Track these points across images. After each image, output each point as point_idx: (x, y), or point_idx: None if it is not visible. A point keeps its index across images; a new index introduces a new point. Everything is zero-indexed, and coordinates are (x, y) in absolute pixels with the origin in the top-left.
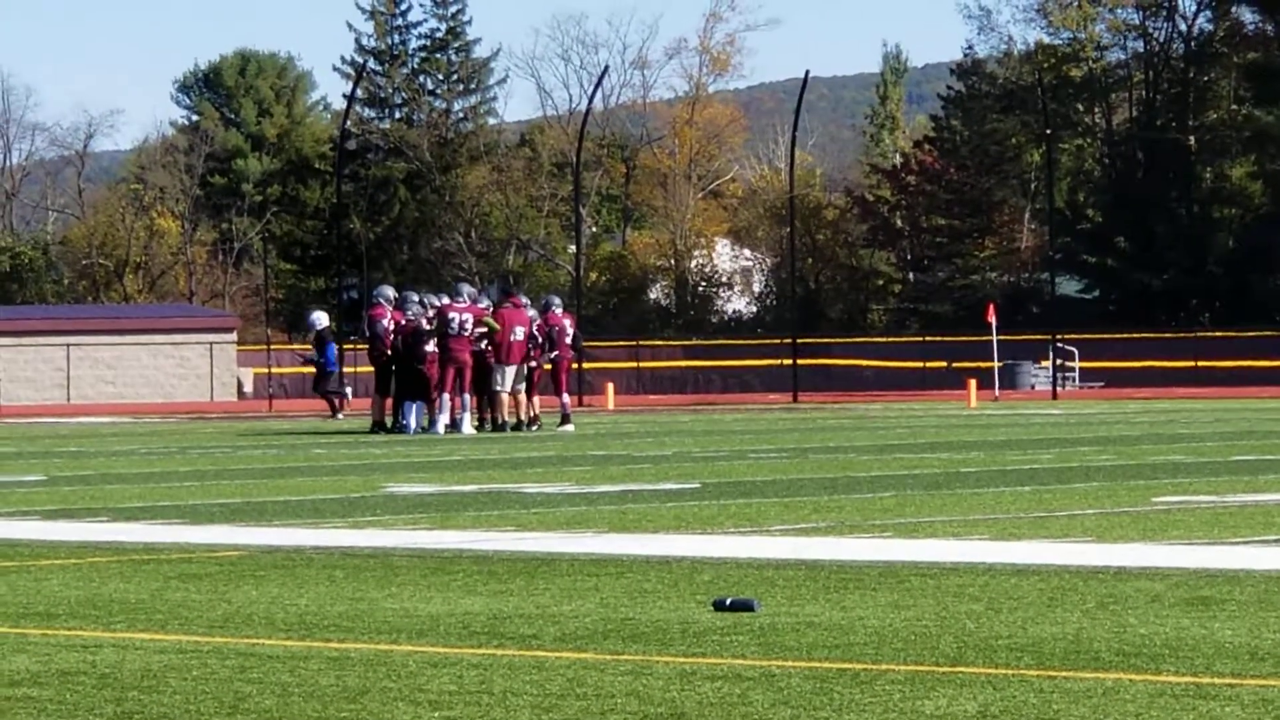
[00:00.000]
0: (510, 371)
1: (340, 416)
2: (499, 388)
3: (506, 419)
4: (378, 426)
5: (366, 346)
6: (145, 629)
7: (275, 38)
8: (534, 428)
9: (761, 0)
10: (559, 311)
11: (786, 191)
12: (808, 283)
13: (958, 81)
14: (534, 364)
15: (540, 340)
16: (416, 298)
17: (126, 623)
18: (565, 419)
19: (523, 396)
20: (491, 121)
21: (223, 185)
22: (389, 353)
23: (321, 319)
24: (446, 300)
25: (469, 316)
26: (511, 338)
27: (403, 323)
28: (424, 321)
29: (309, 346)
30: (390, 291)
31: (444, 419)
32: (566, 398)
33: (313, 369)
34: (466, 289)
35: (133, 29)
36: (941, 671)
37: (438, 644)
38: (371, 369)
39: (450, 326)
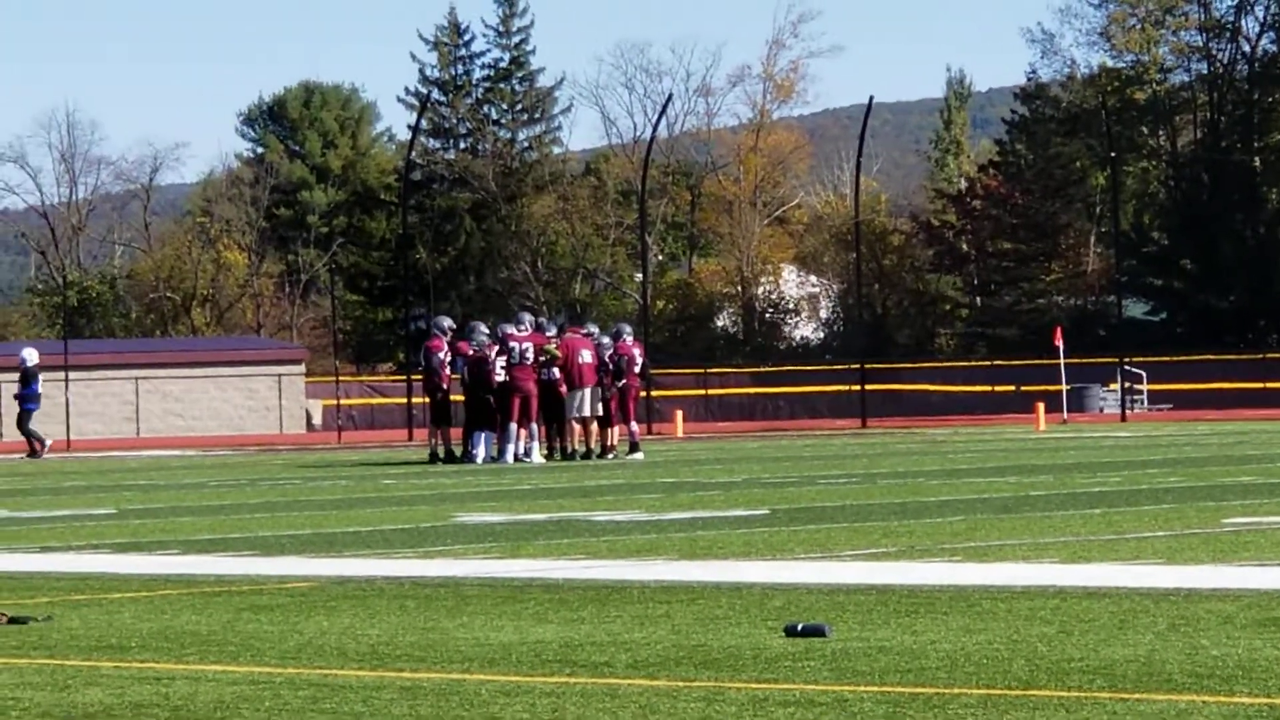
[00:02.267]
0: (586, 394)
1: (43, 455)
2: (575, 413)
3: (576, 447)
4: (435, 458)
5: (422, 377)
6: (217, 661)
7: (339, 69)
8: (610, 456)
9: (825, 27)
10: (629, 340)
11: (852, 217)
12: (875, 308)
13: (1022, 105)
14: (608, 392)
15: (610, 369)
16: (484, 328)
17: (199, 655)
18: (635, 447)
19: (593, 425)
20: (556, 150)
21: (288, 217)
22: (445, 385)
23: (31, 355)
24: (509, 329)
25: (529, 345)
26: (579, 360)
27: (469, 353)
28: (490, 351)
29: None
30: (447, 322)
31: (513, 448)
32: (635, 426)
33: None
34: (528, 317)
35: (197, 62)
36: (1014, 695)
37: (510, 673)
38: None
39: (512, 355)
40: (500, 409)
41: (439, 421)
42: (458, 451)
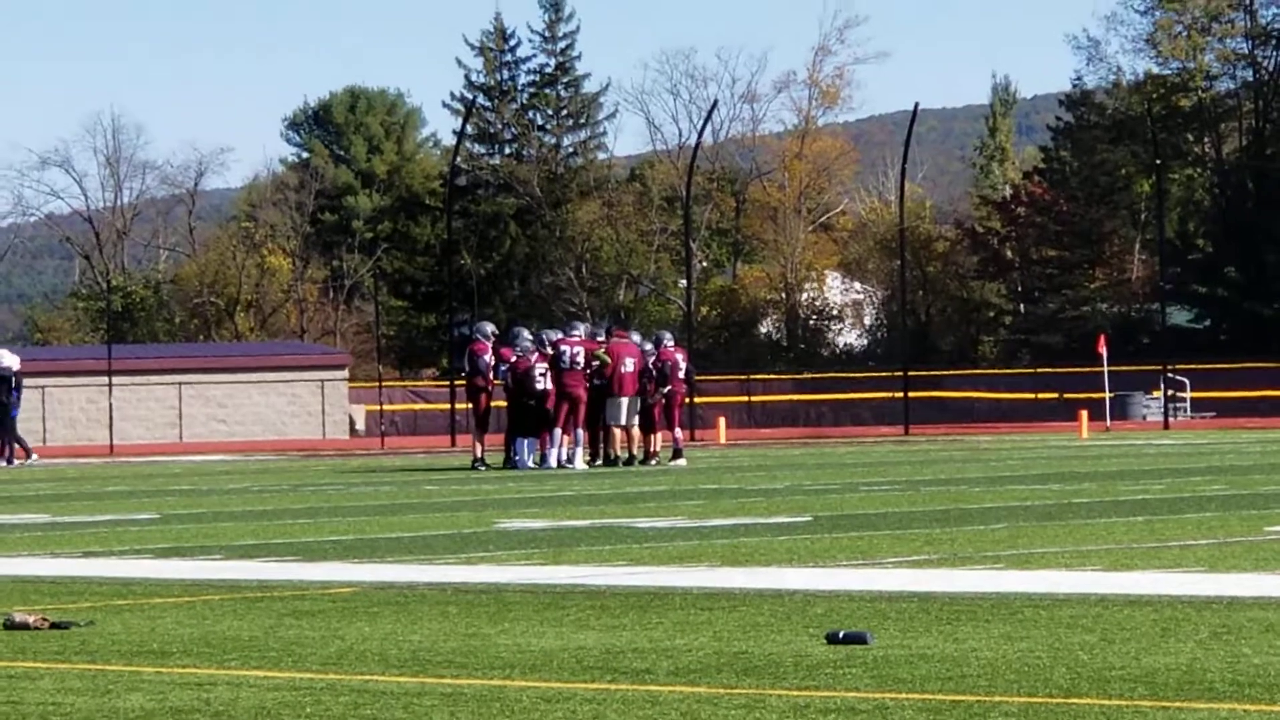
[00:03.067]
0: (624, 403)
1: (18, 463)
2: (613, 420)
3: (619, 453)
4: (478, 463)
5: (465, 382)
6: (259, 666)
7: (385, 74)
8: (653, 462)
9: (871, 33)
10: (671, 346)
11: (897, 224)
12: (919, 315)
13: (1067, 112)
14: (652, 399)
15: (654, 375)
16: (528, 334)
17: (240, 660)
18: (678, 453)
19: (635, 431)
20: (601, 156)
21: (333, 222)
22: (489, 389)
23: (12, 361)
24: (560, 335)
25: (581, 350)
26: (622, 369)
27: (512, 359)
28: (535, 357)
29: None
30: (489, 327)
31: (556, 454)
32: (679, 432)
33: None
34: (581, 325)
35: (242, 67)
36: (1055, 703)
37: (551, 679)
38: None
39: (563, 361)
40: (547, 414)
41: (483, 426)
42: (499, 458)
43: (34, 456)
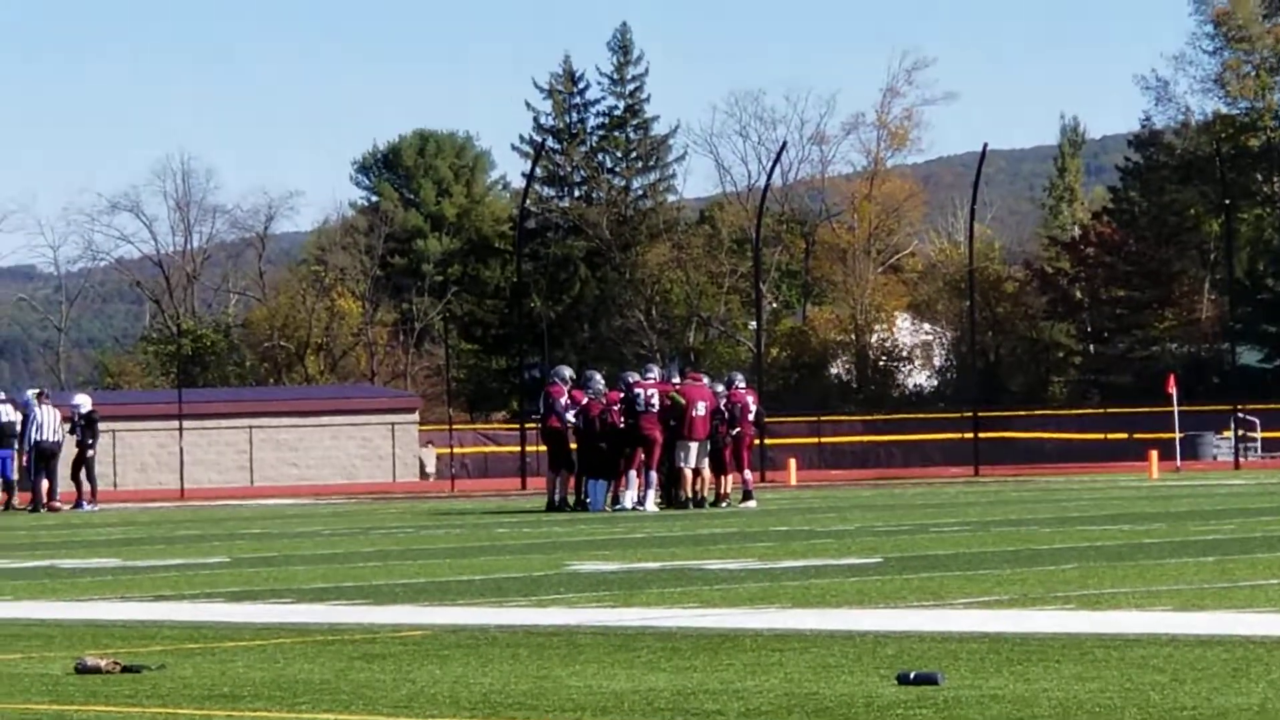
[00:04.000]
0: (694, 447)
1: (87, 507)
2: (682, 464)
3: (689, 495)
4: (553, 505)
5: (539, 425)
6: (330, 709)
7: (453, 118)
8: (724, 504)
9: (939, 74)
10: (742, 388)
11: (966, 265)
12: (988, 356)
13: (1135, 153)
14: (723, 441)
15: (725, 416)
16: (600, 377)
17: (311, 703)
18: (748, 495)
19: (706, 473)
20: (671, 198)
21: (403, 265)
22: (565, 431)
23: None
24: (635, 377)
25: (655, 393)
26: (694, 413)
27: (584, 401)
28: (604, 400)
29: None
30: (568, 371)
31: (629, 496)
32: (749, 474)
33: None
34: (655, 368)
35: (311, 111)
36: None
37: None
38: (546, 447)
39: (638, 403)
40: (619, 456)
41: (558, 468)
42: (572, 500)
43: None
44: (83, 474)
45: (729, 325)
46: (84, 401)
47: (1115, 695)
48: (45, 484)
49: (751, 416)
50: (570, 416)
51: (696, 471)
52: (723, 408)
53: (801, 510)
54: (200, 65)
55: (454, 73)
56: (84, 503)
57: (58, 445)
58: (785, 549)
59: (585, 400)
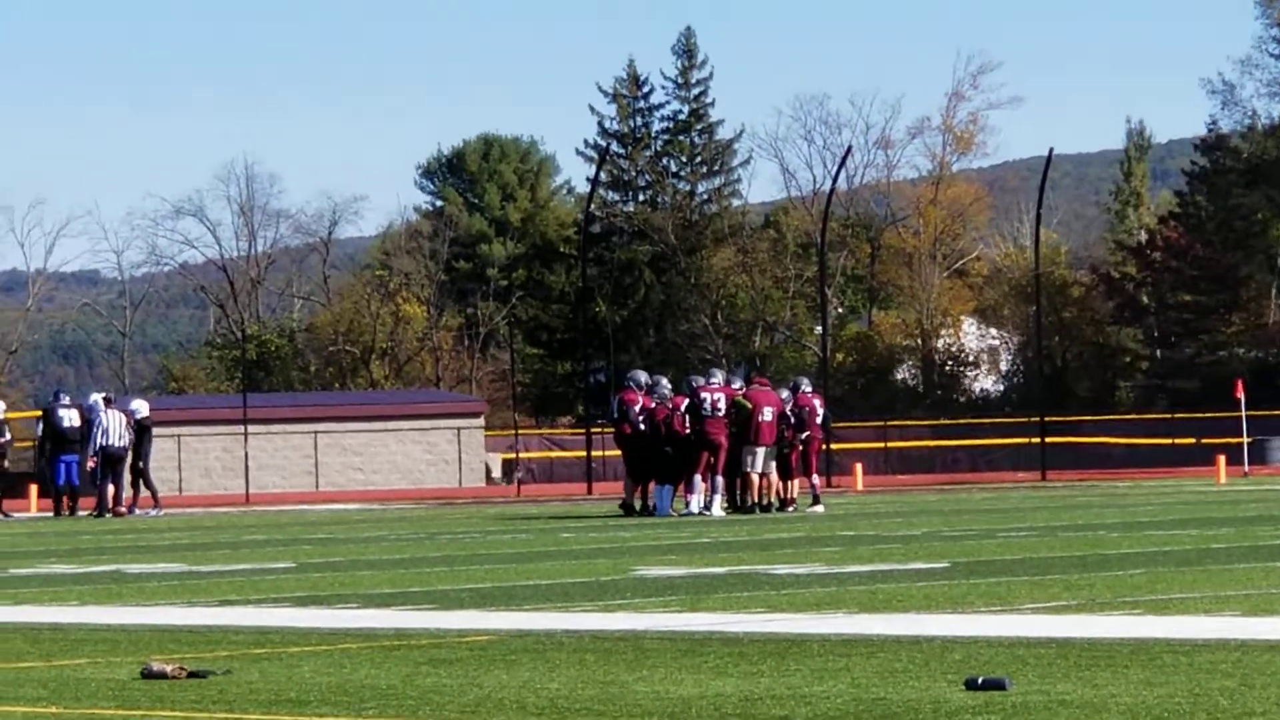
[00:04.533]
0: (760, 453)
1: (139, 512)
2: (749, 469)
3: (756, 500)
4: (627, 509)
5: (613, 430)
6: (396, 715)
7: (518, 122)
8: (790, 509)
9: (1005, 78)
10: (809, 392)
11: (1032, 269)
12: (1055, 361)
13: (1202, 157)
14: (789, 446)
15: (792, 421)
16: (667, 382)
17: (378, 709)
18: (815, 500)
19: (773, 477)
20: (736, 203)
21: (467, 270)
22: (638, 436)
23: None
24: (701, 382)
25: (721, 397)
26: (760, 418)
27: (651, 406)
28: (670, 405)
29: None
30: (643, 377)
31: (696, 501)
32: (817, 479)
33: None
34: (719, 372)
35: (376, 115)
36: None
37: None
38: (619, 452)
39: (704, 408)
40: (685, 461)
41: (635, 474)
42: (637, 505)
43: (138, 512)
44: (138, 479)
45: (794, 330)
46: (140, 407)
47: (1184, 700)
48: (110, 489)
49: (819, 420)
50: (635, 420)
51: (763, 476)
52: (789, 412)
53: (868, 515)
54: (264, 69)
55: (518, 77)
56: (136, 508)
57: (124, 450)
58: (852, 554)
59: (653, 405)
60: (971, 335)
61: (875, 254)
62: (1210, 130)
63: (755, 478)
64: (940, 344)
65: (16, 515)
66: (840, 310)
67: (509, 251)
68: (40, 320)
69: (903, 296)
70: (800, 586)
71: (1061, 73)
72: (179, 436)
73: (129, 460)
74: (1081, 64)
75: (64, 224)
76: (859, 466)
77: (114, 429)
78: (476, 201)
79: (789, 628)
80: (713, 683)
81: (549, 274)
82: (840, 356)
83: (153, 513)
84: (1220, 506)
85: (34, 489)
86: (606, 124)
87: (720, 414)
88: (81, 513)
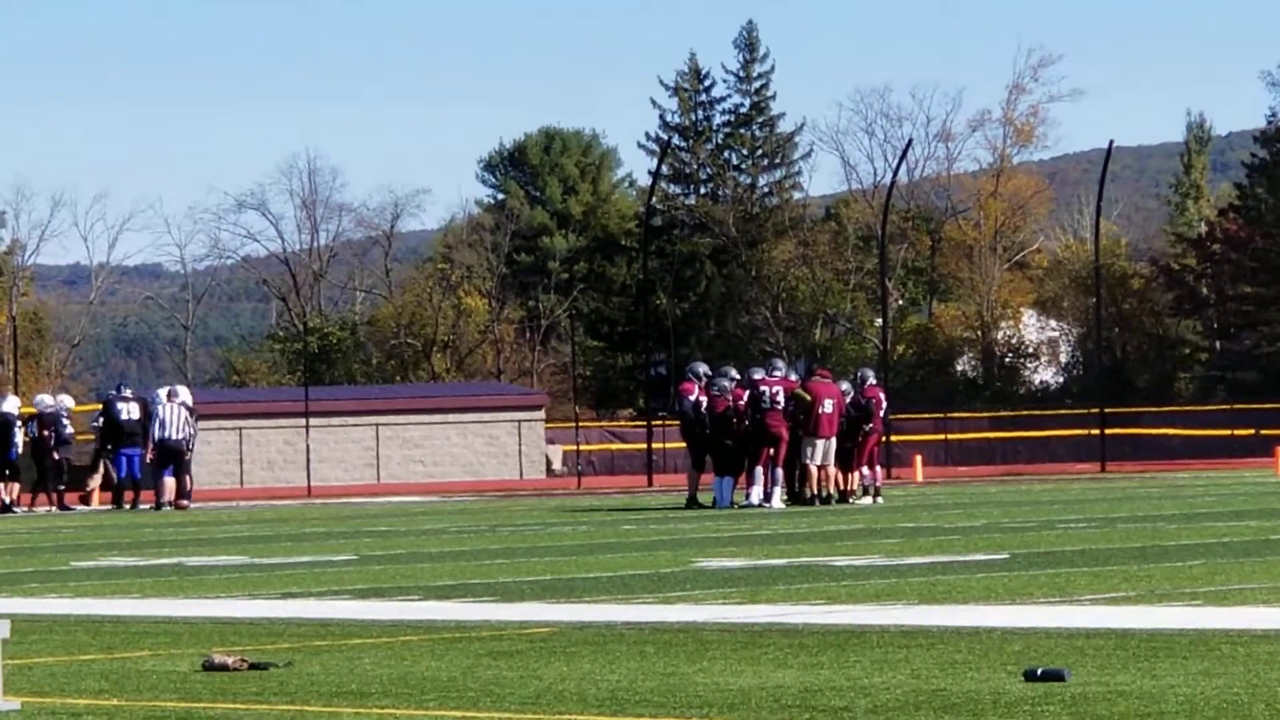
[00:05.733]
0: (820, 444)
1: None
2: (809, 460)
3: (817, 492)
4: (692, 502)
5: (678, 422)
6: (457, 707)
7: (579, 115)
8: (850, 500)
9: (1065, 71)
10: (874, 384)
11: (1092, 261)
12: (1114, 352)
13: (1262, 149)
14: (862, 436)
15: (854, 414)
16: (734, 373)
17: (438, 701)
18: (870, 492)
19: (833, 470)
20: (797, 196)
21: (529, 263)
22: (697, 428)
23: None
24: (761, 374)
25: (780, 389)
26: (821, 410)
27: (700, 398)
28: (730, 396)
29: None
30: (702, 368)
31: (756, 493)
32: (878, 470)
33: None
34: (780, 363)
35: (437, 109)
36: None
37: (749, 717)
38: (684, 444)
39: (763, 400)
40: (746, 453)
41: (699, 466)
42: (708, 497)
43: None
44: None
45: (855, 322)
46: (183, 394)
47: (1242, 691)
48: (170, 481)
49: (882, 413)
50: (692, 410)
51: (822, 468)
52: (850, 405)
53: (928, 507)
54: (327, 63)
55: (580, 70)
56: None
57: (181, 443)
58: (911, 545)
59: (702, 396)
60: (1031, 327)
61: (935, 246)
62: (1270, 122)
63: (814, 469)
64: (1000, 336)
65: (79, 509)
66: (900, 302)
67: (570, 244)
68: (103, 314)
69: (963, 289)
70: (860, 578)
71: (1122, 65)
72: (240, 430)
73: (189, 454)
74: (1142, 56)
75: (127, 218)
76: (919, 458)
77: (172, 422)
78: (538, 195)
79: (849, 619)
80: (772, 674)
81: (610, 267)
82: (900, 349)
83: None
84: (1279, 498)
85: (96, 482)
86: (668, 117)
87: (779, 406)
88: (143, 506)
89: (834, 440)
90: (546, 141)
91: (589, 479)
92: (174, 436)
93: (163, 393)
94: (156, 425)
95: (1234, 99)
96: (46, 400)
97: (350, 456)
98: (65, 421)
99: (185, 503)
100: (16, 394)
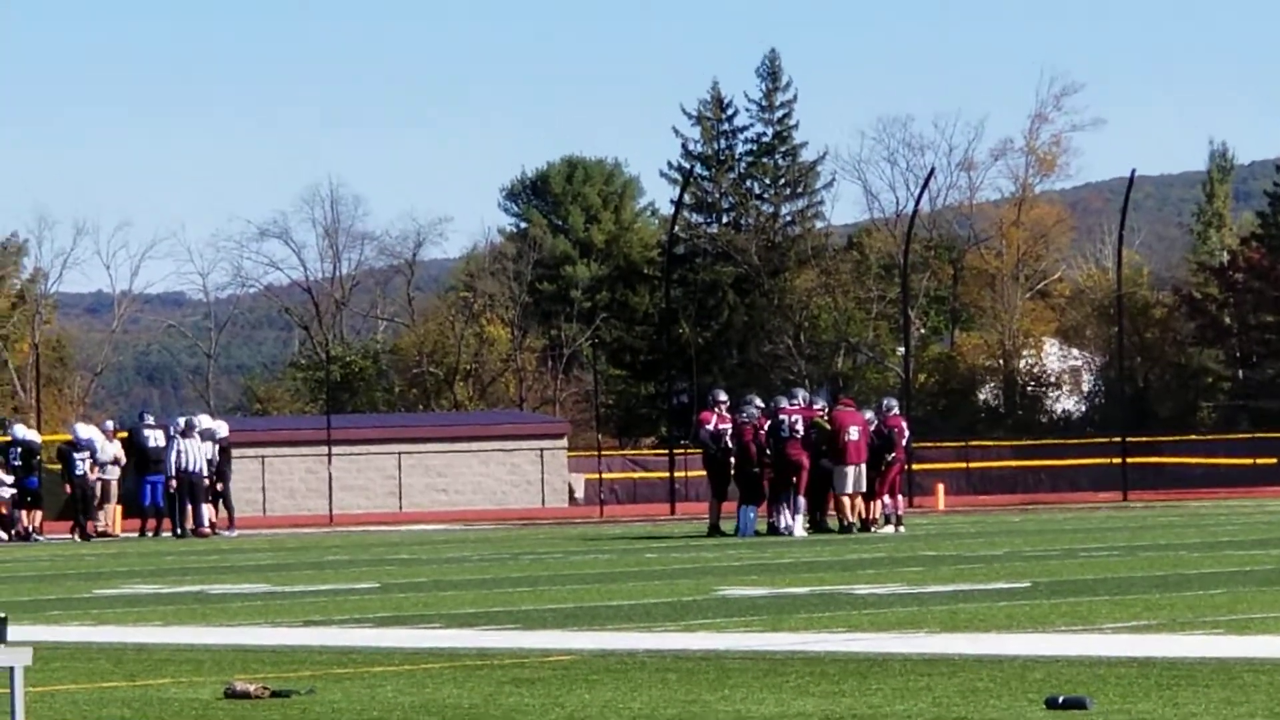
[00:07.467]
0: (850, 472)
1: (223, 533)
2: (840, 490)
3: (850, 521)
4: (714, 530)
5: (701, 450)
6: None
7: (602, 144)
8: (874, 528)
9: (1087, 100)
10: (897, 413)
11: (1114, 290)
12: (1136, 381)
13: None
14: (889, 464)
15: (877, 443)
16: (759, 401)
17: None
18: (890, 520)
19: (857, 500)
20: (819, 225)
21: (551, 292)
22: (718, 456)
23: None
24: (783, 403)
25: (800, 418)
26: (846, 437)
27: (724, 426)
28: (754, 425)
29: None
30: (722, 395)
31: (782, 520)
32: (900, 499)
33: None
34: (800, 392)
35: (460, 138)
36: None
37: None
38: (704, 473)
39: (783, 429)
40: (767, 482)
41: (719, 495)
42: (730, 525)
43: (221, 532)
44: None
45: (877, 351)
46: (219, 428)
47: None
48: (190, 510)
49: (904, 441)
50: (710, 439)
51: (850, 497)
52: (873, 433)
53: (950, 535)
54: (349, 92)
55: (602, 99)
56: (216, 528)
57: (199, 475)
58: (933, 574)
59: (721, 424)
60: (1053, 356)
61: (958, 275)
62: None
63: (846, 499)
64: (1022, 365)
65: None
66: (922, 331)
67: (593, 273)
68: (125, 342)
69: (985, 317)
70: (882, 606)
71: (1144, 95)
72: (263, 457)
73: (207, 483)
74: (1164, 86)
75: (149, 246)
76: (941, 487)
77: (190, 454)
78: (560, 223)
79: (871, 647)
80: (794, 702)
81: (632, 295)
82: (922, 377)
83: (226, 533)
84: None
85: (118, 510)
86: (690, 146)
87: (799, 435)
88: (165, 534)
89: (864, 466)
90: (569, 170)
91: (611, 507)
92: (191, 468)
93: (181, 422)
94: (173, 454)
95: (1256, 128)
96: (87, 430)
97: (373, 485)
98: (99, 448)
99: (205, 530)
100: (39, 422)
